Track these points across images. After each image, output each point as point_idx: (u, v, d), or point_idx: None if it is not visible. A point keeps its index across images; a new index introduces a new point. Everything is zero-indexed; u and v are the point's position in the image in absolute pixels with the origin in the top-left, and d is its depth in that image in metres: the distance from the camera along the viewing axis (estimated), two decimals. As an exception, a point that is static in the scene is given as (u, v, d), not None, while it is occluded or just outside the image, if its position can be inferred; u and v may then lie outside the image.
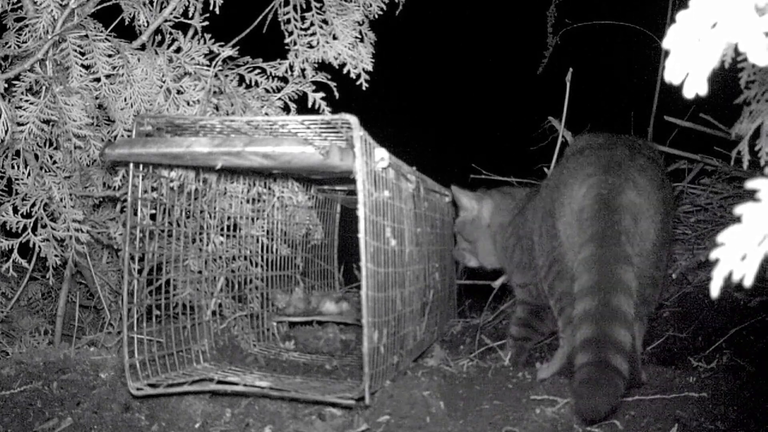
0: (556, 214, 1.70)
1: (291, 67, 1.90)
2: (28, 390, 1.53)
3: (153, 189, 1.62)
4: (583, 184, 1.62)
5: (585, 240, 1.54)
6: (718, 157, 2.62)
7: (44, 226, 1.71)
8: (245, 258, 1.99)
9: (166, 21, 1.81)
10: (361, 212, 1.31)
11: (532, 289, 2.00)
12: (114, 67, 1.73)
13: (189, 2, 1.83)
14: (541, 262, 1.80)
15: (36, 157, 1.77)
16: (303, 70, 1.90)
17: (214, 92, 1.83)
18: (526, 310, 2.04)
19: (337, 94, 1.89)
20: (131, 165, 1.51)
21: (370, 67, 1.90)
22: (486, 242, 2.21)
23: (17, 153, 1.74)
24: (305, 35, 1.88)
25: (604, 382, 1.34)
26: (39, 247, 1.70)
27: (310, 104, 1.88)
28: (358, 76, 1.89)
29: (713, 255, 0.53)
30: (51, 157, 1.80)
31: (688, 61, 0.55)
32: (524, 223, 2.00)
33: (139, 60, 1.76)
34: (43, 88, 1.66)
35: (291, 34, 1.89)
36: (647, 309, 1.68)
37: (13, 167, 1.76)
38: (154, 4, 1.83)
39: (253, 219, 2.00)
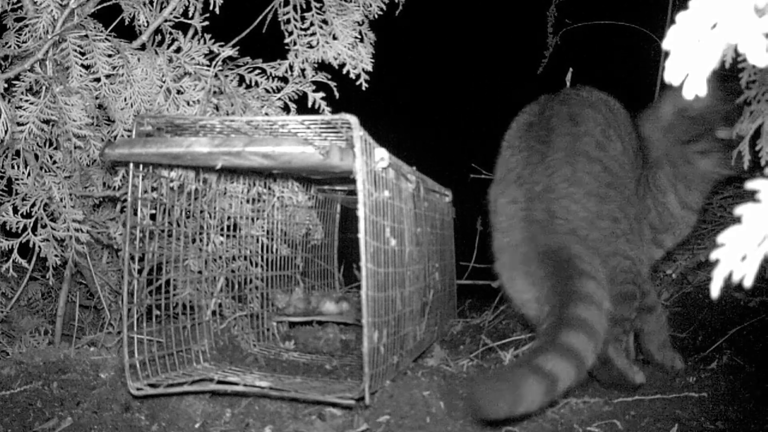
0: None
1: (291, 67, 1.90)
2: (28, 390, 1.53)
3: (153, 189, 1.62)
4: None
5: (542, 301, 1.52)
6: (718, 157, 2.61)
7: (44, 226, 1.71)
8: (245, 258, 1.99)
9: (166, 21, 1.81)
10: (361, 212, 1.31)
11: None
12: (114, 67, 1.73)
13: (189, 2, 1.83)
14: None
15: (36, 157, 1.77)
16: (303, 70, 1.90)
17: (214, 92, 1.83)
18: None
19: (337, 94, 1.89)
20: (131, 165, 1.51)
21: (369, 67, 1.90)
22: None
23: (17, 153, 1.74)
24: (305, 35, 1.88)
25: (511, 381, 1.21)
26: (39, 247, 1.70)
27: (310, 104, 1.88)
28: (358, 76, 1.89)
29: (713, 255, 0.53)
30: (51, 157, 1.80)
31: (687, 62, 0.55)
32: None
33: (139, 60, 1.76)
34: (43, 88, 1.66)
35: (291, 34, 1.88)
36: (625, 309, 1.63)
37: (13, 167, 1.76)
38: (154, 4, 1.83)
39: (253, 219, 2.00)
